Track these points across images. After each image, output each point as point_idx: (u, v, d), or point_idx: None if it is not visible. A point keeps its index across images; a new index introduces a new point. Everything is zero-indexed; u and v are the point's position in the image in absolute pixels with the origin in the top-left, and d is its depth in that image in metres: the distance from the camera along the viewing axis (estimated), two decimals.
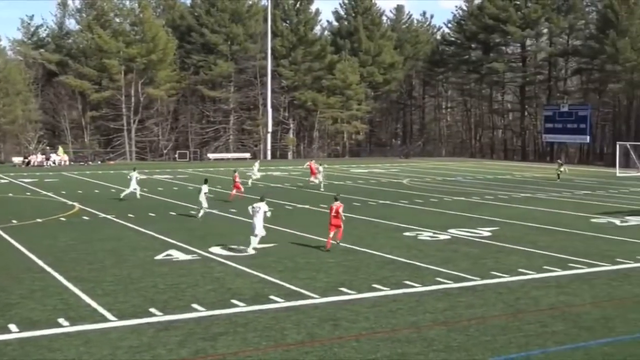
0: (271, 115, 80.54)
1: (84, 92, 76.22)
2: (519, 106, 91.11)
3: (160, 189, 40.81)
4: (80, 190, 39.89)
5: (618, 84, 77.48)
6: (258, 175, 44.38)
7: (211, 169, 58.58)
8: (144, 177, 50.14)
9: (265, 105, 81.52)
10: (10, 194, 38.05)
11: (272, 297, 15.36)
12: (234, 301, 14.95)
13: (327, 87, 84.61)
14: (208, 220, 27.67)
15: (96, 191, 40.05)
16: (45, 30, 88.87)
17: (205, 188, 28.15)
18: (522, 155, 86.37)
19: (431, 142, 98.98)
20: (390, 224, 26.64)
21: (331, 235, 21.18)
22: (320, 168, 42.30)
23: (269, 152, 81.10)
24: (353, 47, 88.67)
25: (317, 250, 21.04)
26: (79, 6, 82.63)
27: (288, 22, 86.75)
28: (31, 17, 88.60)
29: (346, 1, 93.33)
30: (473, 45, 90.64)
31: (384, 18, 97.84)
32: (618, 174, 55.29)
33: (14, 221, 27.14)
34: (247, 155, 79.26)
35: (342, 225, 21.33)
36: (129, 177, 35.41)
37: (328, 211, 22.31)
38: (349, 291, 15.92)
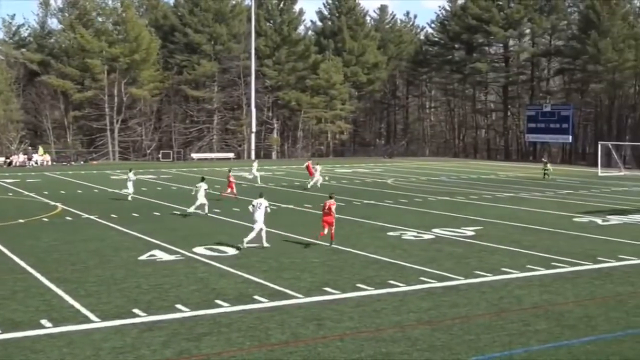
0: (255, 115, 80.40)
1: (66, 92, 75.67)
2: (501, 106, 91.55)
3: (143, 189, 40.55)
4: (63, 191, 39.63)
5: (600, 84, 78.14)
6: (257, 174, 44.45)
7: (195, 169, 58.34)
8: (126, 177, 49.93)
9: (249, 105, 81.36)
10: None
11: (256, 297, 15.33)
12: (218, 301, 14.91)
13: (311, 87, 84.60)
14: (192, 221, 27.61)
15: (79, 191, 39.80)
16: (27, 29, 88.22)
17: (204, 185, 28.58)
18: (505, 155, 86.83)
19: (415, 141, 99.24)
20: (375, 223, 26.68)
21: (325, 231, 21.32)
22: (318, 167, 42.52)
23: (252, 152, 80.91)
24: (337, 47, 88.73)
25: (301, 250, 21.04)
26: (61, 5, 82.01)
27: (272, 22, 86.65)
28: (13, 17, 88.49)
29: (330, 1, 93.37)
30: (456, 46, 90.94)
31: (368, 18, 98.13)
32: (600, 174, 55.71)
33: None
34: (231, 155, 79.10)
35: (334, 224, 21.48)
36: (126, 177, 35.39)
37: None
38: (333, 291, 15.92)
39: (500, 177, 52.17)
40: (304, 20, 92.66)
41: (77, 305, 14.63)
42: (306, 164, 44.56)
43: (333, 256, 20.05)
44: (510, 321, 13.58)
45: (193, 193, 29.43)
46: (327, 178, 45.52)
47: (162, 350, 11.83)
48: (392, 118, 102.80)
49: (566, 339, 12.50)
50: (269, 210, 21.43)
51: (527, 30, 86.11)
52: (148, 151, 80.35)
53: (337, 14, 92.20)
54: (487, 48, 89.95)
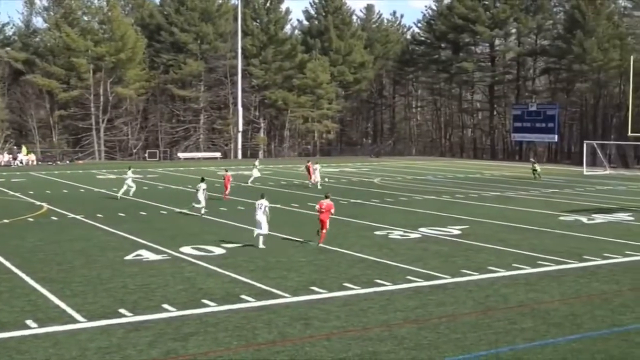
0: (242, 115, 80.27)
1: (51, 91, 75.17)
2: (488, 105, 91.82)
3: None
4: (48, 190, 39.42)
5: (585, 83, 78.63)
6: (258, 174, 44.58)
7: (181, 169, 58.26)
8: (112, 177, 49.76)
9: (235, 104, 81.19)
10: None
11: (243, 296, 15.30)
12: (205, 301, 14.87)
13: (298, 86, 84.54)
14: (178, 220, 27.56)
15: (65, 191, 39.60)
16: (11, 28, 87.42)
17: (203, 185, 28.71)
18: (491, 154, 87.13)
19: (401, 141, 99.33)
20: (361, 222, 26.70)
21: (324, 231, 21.52)
22: (318, 167, 42.76)
23: (239, 152, 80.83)
24: (323, 46, 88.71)
25: (288, 249, 21.03)
26: (46, 4, 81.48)
27: (258, 21, 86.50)
28: None
29: (316, 0, 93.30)
30: (443, 45, 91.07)
31: (354, 17, 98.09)
32: (585, 173, 56.04)
33: None
34: (218, 154, 78.96)
35: (326, 226, 21.52)
36: (125, 176, 35.33)
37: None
38: (320, 290, 15.92)
39: (487, 176, 52.38)
40: (290, 20, 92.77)
41: (62, 305, 14.55)
42: (306, 165, 44.51)
43: (320, 255, 20.05)
44: (496, 320, 13.62)
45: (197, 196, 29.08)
46: (326, 179, 45.59)
47: (148, 350, 11.78)
48: (378, 117, 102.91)
49: (552, 337, 12.54)
50: (267, 210, 21.46)
51: (513, 30, 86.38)
52: (134, 151, 79.98)
53: (323, 14, 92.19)
54: (473, 47, 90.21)
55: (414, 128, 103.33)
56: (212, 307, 14.40)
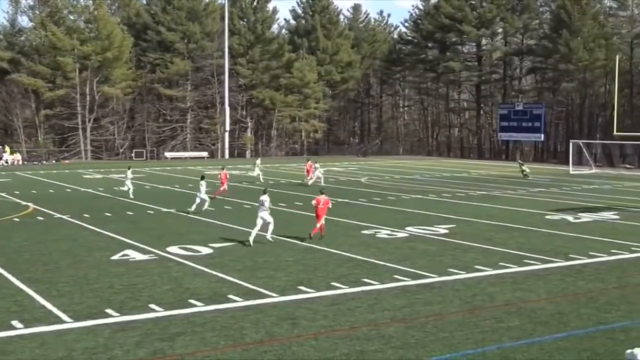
0: (229, 114, 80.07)
1: (37, 90, 74.59)
2: (474, 105, 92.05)
3: (116, 188, 40.25)
4: (34, 190, 39.20)
5: (571, 83, 78.96)
6: (257, 173, 44.83)
7: (168, 168, 58.09)
8: (99, 176, 49.57)
9: (222, 103, 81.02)
10: None
11: (230, 296, 15.27)
12: (192, 301, 14.83)
13: (285, 86, 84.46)
14: (165, 220, 27.49)
15: (51, 191, 39.39)
16: None
17: (204, 183, 28.97)
18: (478, 154, 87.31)
19: (389, 140, 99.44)
20: (349, 222, 26.70)
21: (322, 223, 22.10)
22: (318, 166, 43.15)
23: (226, 151, 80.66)
24: (310, 45, 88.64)
25: (275, 249, 21.00)
26: (31, 3, 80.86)
27: (245, 20, 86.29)
28: None
29: (303, 0, 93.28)
30: (429, 45, 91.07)
31: (341, 17, 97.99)
32: (571, 172, 56.28)
33: None
34: (205, 154, 78.75)
35: (322, 221, 22.15)
36: (124, 175, 35.32)
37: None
38: (308, 290, 15.91)
39: (473, 176, 52.51)
40: (277, 19, 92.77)
41: (48, 305, 14.48)
42: (307, 164, 44.72)
43: (307, 255, 20.04)
44: (483, 318, 13.65)
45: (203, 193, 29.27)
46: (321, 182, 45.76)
47: (135, 350, 11.73)
48: (365, 117, 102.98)
49: (538, 336, 12.58)
50: (266, 206, 21.78)
51: (500, 30, 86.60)
52: (121, 150, 79.64)
53: (310, 13, 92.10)
54: (460, 47, 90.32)
55: (401, 127, 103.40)
56: (199, 307, 14.36)
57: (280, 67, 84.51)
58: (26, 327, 13.01)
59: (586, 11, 74.99)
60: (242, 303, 14.74)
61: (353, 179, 48.47)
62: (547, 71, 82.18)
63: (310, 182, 41.62)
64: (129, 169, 36.48)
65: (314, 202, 22.64)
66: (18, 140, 75.50)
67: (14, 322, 13.27)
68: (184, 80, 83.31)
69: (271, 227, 21.78)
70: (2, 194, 36.99)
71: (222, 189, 34.93)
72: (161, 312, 13.99)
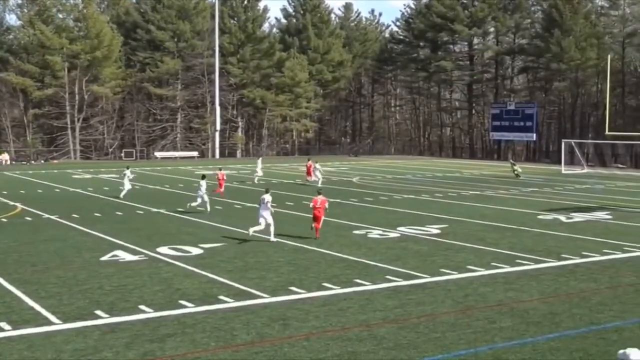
0: (219, 114, 79.86)
1: (25, 89, 74.19)
2: (466, 104, 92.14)
3: (106, 188, 40.11)
4: (22, 190, 38.97)
5: (563, 82, 79.13)
6: (261, 173, 45.07)
7: (158, 168, 57.87)
8: (88, 176, 49.33)
9: (213, 103, 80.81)
10: None
11: (221, 297, 15.18)
12: (182, 302, 14.73)
13: (276, 85, 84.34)
14: (155, 220, 27.36)
15: (39, 191, 39.17)
16: None
17: (204, 183, 29.09)
18: (470, 153, 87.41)
19: (380, 140, 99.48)
20: (340, 222, 26.61)
21: (319, 226, 22.36)
22: (318, 166, 43.36)
23: (217, 151, 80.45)
24: (302, 44, 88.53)
25: (266, 249, 20.90)
26: (20, 1, 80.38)
27: (236, 19, 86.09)
28: None
29: None
30: (421, 44, 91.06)
31: (333, 16, 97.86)
32: (563, 171, 56.36)
33: None
34: (195, 153, 78.52)
35: (321, 220, 22.45)
36: (122, 174, 35.29)
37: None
38: (299, 290, 15.83)
39: (465, 175, 52.52)
40: (268, 18, 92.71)
41: (37, 307, 14.35)
42: (307, 164, 44.81)
43: (298, 255, 19.96)
44: (475, 319, 13.60)
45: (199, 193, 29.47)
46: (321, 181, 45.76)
47: (125, 352, 11.64)
48: (357, 116, 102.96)
49: (531, 336, 12.55)
50: (269, 205, 22.12)
51: (491, 29, 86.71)
52: (110, 150, 79.30)
53: (301, 12, 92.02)
54: (451, 46, 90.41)
55: (392, 127, 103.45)
56: (190, 308, 14.27)
57: (271, 66, 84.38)
58: (14, 328, 12.87)
59: (578, 10, 75.20)
60: (233, 304, 14.65)
61: (345, 178, 48.38)
62: (539, 70, 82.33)
63: (319, 182, 41.64)
64: (127, 168, 36.39)
65: (312, 203, 22.81)
66: (6, 140, 75.14)
67: (2, 324, 13.12)
68: (174, 79, 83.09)
69: (272, 229, 21.96)
70: None
71: (218, 190, 34.82)
72: (151, 313, 13.88)
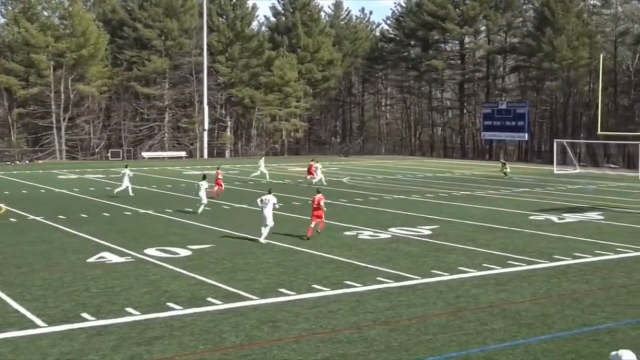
0: (207, 113, 79.48)
1: (10, 88, 73.61)
2: (457, 104, 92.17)
3: (92, 189, 39.86)
4: (6, 191, 38.64)
5: (555, 81, 79.20)
6: (265, 172, 45.36)
7: (145, 168, 57.53)
8: (74, 177, 48.99)
9: (201, 102, 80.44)
10: None
11: (209, 299, 15.06)
12: (170, 304, 14.60)
13: (265, 84, 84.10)
14: (143, 221, 27.19)
15: (24, 192, 38.87)
16: None
17: (205, 184, 29.34)
18: (462, 153, 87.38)
19: (371, 140, 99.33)
20: (330, 223, 26.35)
21: (312, 225, 22.62)
22: (319, 166, 43.95)
23: (205, 151, 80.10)
24: (291, 43, 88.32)
25: (255, 250, 20.77)
26: None
27: (224, 17, 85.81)
28: None
29: None
30: (412, 42, 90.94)
31: (323, 14, 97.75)
32: (555, 171, 56.40)
33: None
34: (183, 153, 78.09)
35: (323, 217, 22.91)
36: (121, 173, 35.24)
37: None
38: (289, 292, 15.71)
39: (457, 176, 52.52)
40: (257, 16, 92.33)
41: (22, 309, 14.21)
42: (310, 163, 45.15)
43: (288, 257, 19.85)
44: (467, 320, 13.54)
45: (193, 194, 30.15)
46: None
47: (111, 355, 11.54)
48: (347, 116, 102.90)
49: (523, 338, 12.50)
50: (277, 206, 22.60)
51: (483, 28, 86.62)
52: (96, 150, 78.79)
53: (291, 10, 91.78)
54: (443, 45, 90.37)
55: (383, 126, 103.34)
56: (178, 311, 14.16)
57: (260, 65, 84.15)
58: None
59: (570, 9, 75.24)
60: (221, 306, 14.54)
61: (335, 179, 48.24)
62: (531, 70, 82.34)
63: (323, 181, 41.63)
64: (126, 167, 36.39)
65: (315, 202, 23.12)
66: None
67: None
68: (161, 78, 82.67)
69: (266, 231, 22.08)
70: None
71: (220, 189, 34.79)
72: (138, 316, 13.76)
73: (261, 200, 22.36)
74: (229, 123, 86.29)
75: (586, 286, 16.56)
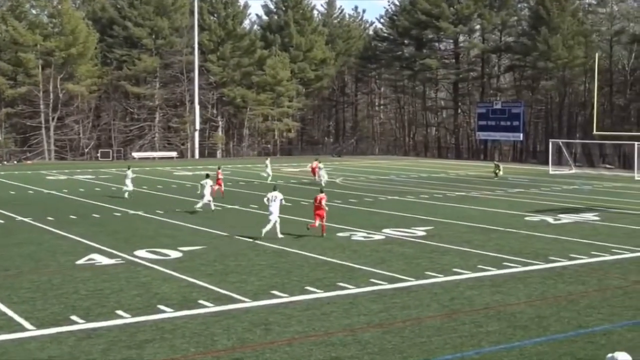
0: (199, 113, 79.16)
1: None
2: (452, 103, 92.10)
3: (81, 189, 39.66)
4: None
5: (550, 81, 79.19)
6: (270, 172, 45.63)
7: (136, 169, 57.01)
8: (63, 177, 48.71)
9: (192, 102, 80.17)
10: None
11: (201, 301, 14.95)
12: (161, 307, 14.51)
13: (257, 84, 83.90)
14: (133, 222, 27.08)
15: (12, 193, 38.70)
16: None
17: (210, 182, 29.84)
18: (456, 153, 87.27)
19: (364, 140, 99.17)
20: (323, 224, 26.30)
21: (317, 224, 23.04)
22: (321, 165, 44.50)
23: (196, 151, 79.78)
24: (283, 42, 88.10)
25: (247, 252, 20.65)
26: None
27: (216, 15, 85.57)
28: None
29: None
30: (406, 41, 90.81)
31: (315, 12, 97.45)
32: (551, 172, 56.37)
33: None
34: (174, 154, 77.72)
35: (324, 216, 23.26)
36: (125, 175, 35.29)
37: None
38: (281, 294, 15.60)
39: (451, 176, 52.45)
40: (249, 14, 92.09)
41: (10, 312, 14.10)
42: (313, 163, 45.71)
43: (281, 258, 19.74)
44: (461, 322, 13.49)
45: (199, 192, 30.59)
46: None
47: (102, 358, 11.48)
48: (340, 116, 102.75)
49: (518, 340, 12.45)
50: (283, 202, 23.19)
51: (477, 26, 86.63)
52: (86, 150, 78.39)
53: (283, 8, 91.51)
54: (437, 44, 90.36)
55: (377, 126, 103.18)
56: (169, 313, 14.09)
57: (252, 64, 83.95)
58: None
59: (565, 8, 75.26)
60: (213, 308, 14.46)
61: (328, 179, 48.01)
62: (526, 69, 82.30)
63: (323, 182, 41.58)
64: (128, 168, 36.42)
65: (318, 202, 23.44)
66: None
67: None
68: (152, 77, 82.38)
69: (269, 226, 22.42)
70: None
71: (221, 189, 34.89)
72: (129, 319, 13.69)
73: (268, 199, 22.72)
74: (220, 123, 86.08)
75: (582, 288, 16.50)
